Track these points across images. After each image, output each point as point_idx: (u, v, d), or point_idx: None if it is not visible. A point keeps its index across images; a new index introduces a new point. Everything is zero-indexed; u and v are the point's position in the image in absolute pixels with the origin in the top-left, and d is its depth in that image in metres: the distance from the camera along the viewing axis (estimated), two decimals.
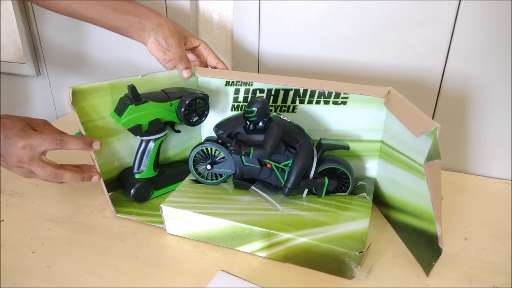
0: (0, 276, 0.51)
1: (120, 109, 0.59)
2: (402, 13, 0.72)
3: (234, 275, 0.46)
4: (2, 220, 0.62)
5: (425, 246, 0.53)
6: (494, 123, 0.73)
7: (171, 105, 0.63)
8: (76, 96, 0.57)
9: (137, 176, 0.64)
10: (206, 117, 0.67)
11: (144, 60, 0.98)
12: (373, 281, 0.51)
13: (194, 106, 0.64)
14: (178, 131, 0.69)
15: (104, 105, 0.61)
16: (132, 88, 0.59)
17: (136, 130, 0.61)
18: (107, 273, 0.52)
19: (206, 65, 0.74)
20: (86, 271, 0.53)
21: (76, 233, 0.59)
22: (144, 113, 0.60)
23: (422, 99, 0.76)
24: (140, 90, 0.60)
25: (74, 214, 0.63)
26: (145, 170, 0.64)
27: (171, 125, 0.67)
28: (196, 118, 0.66)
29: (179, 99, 0.63)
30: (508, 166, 0.75)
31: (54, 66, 1.11)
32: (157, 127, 0.63)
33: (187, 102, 0.63)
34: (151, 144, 0.64)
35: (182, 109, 0.63)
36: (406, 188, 0.57)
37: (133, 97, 0.59)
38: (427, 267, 0.52)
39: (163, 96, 0.63)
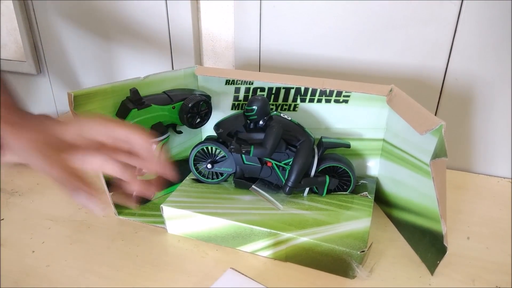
0: (0, 275, 0.51)
1: (122, 113, 0.59)
2: (405, 11, 0.71)
3: (243, 274, 0.46)
4: (2, 219, 0.62)
5: (429, 245, 0.52)
6: (497, 122, 0.73)
7: (173, 108, 0.63)
8: (78, 101, 0.56)
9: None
10: (208, 119, 0.67)
11: (145, 58, 0.98)
12: (375, 281, 0.51)
13: (197, 109, 0.64)
14: (180, 132, 0.68)
15: (106, 108, 0.61)
16: (134, 92, 0.58)
17: None
18: (107, 272, 0.52)
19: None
20: (87, 270, 0.52)
21: (77, 232, 0.59)
22: (147, 117, 0.60)
23: (425, 97, 0.75)
24: (142, 92, 0.60)
25: (74, 213, 0.63)
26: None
27: (173, 126, 0.66)
28: (198, 120, 0.66)
29: (182, 102, 0.63)
30: (510, 164, 0.75)
31: (54, 64, 1.11)
32: (160, 130, 0.63)
33: (190, 105, 0.62)
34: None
35: (185, 112, 0.62)
36: (409, 187, 0.57)
37: (136, 100, 0.59)
38: (432, 266, 0.52)
39: (166, 98, 0.63)
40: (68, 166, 0.41)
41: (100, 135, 0.44)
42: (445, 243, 0.48)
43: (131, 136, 0.44)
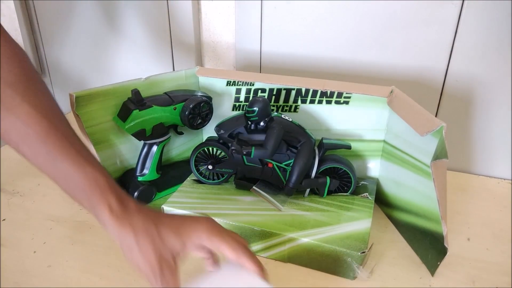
0: (0, 275, 0.51)
1: (124, 114, 0.59)
2: (406, 13, 0.71)
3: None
4: (4, 220, 0.62)
5: (429, 246, 0.53)
6: (497, 123, 0.73)
7: (175, 109, 0.63)
8: (80, 102, 0.57)
9: (140, 179, 0.64)
10: (209, 120, 0.67)
11: (146, 59, 0.98)
12: (376, 282, 0.51)
13: (198, 110, 0.64)
14: (181, 133, 0.69)
15: (108, 109, 0.61)
16: (136, 93, 0.59)
17: (140, 134, 0.61)
18: (108, 272, 0.52)
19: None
20: (87, 270, 0.53)
21: (78, 233, 0.59)
22: (148, 118, 0.60)
23: (425, 98, 0.76)
24: (143, 93, 0.60)
25: (75, 213, 0.63)
26: (148, 173, 0.64)
27: (174, 127, 0.67)
28: (200, 121, 0.66)
29: (183, 103, 0.63)
30: (510, 166, 0.75)
31: (56, 65, 1.11)
32: (161, 131, 0.63)
33: (191, 106, 0.63)
34: (154, 148, 0.64)
35: (186, 113, 0.63)
36: (410, 188, 0.57)
37: (137, 101, 0.59)
38: (432, 267, 0.52)
39: (167, 99, 0.63)
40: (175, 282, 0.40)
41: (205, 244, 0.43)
42: (445, 244, 0.49)
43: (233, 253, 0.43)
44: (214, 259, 0.45)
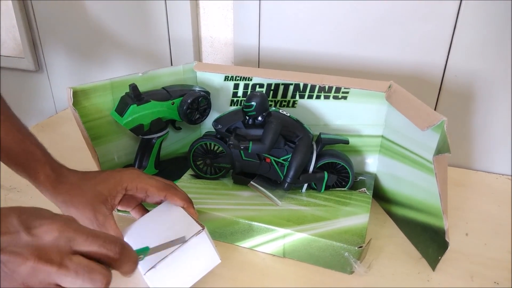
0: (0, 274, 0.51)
1: (121, 109, 0.59)
2: (404, 8, 0.71)
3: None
4: None
5: (430, 241, 0.52)
6: (496, 118, 0.73)
7: (173, 104, 0.63)
8: (77, 96, 0.56)
9: None
10: (208, 115, 0.67)
11: (143, 55, 0.98)
12: (373, 277, 0.51)
13: (196, 104, 0.64)
14: (179, 128, 0.68)
15: (105, 104, 0.61)
16: (133, 87, 0.58)
17: (138, 130, 0.60)
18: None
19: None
20: None
21: None
22: (146, 113, 0.60)
23: (424, 94, 0.75)
24: (141, 88, 0.60)
25: None
26: (146, 169, 0.64)
27: (172, 122, 0.66)
28: (198, 116, 0.66)
29: (181, 98, 0.63)
30: (509, 161, 0.75)
31: (53, 60, 1.11)
32: (159, 126, 0.62)
33: (189, 101, 0.62)
34: (152, 143, 0.63)
35: (184, 108, 0.62)
36: (409, 183, 0.56)
37: (135, 96, 0.59)
38: (433, 262, 0.52)
39: (165, 94, 0.63)
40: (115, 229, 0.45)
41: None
42: (446, 239, 0.49)
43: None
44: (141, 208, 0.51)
